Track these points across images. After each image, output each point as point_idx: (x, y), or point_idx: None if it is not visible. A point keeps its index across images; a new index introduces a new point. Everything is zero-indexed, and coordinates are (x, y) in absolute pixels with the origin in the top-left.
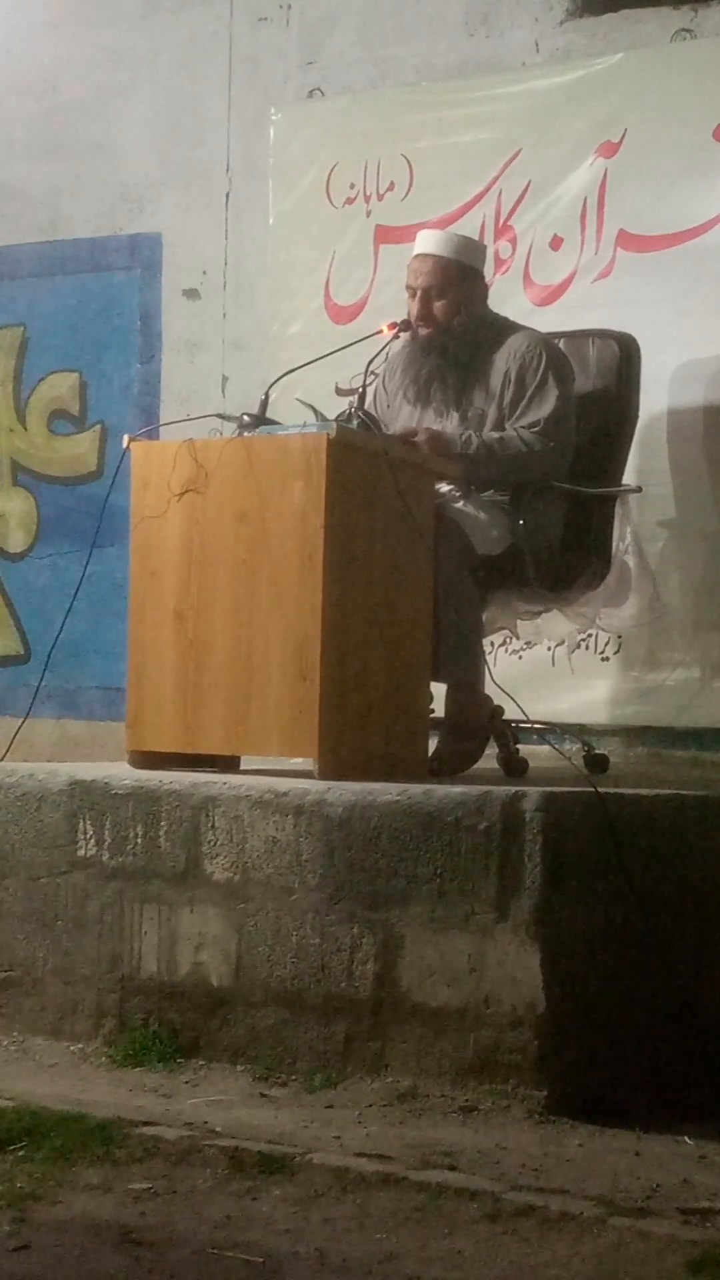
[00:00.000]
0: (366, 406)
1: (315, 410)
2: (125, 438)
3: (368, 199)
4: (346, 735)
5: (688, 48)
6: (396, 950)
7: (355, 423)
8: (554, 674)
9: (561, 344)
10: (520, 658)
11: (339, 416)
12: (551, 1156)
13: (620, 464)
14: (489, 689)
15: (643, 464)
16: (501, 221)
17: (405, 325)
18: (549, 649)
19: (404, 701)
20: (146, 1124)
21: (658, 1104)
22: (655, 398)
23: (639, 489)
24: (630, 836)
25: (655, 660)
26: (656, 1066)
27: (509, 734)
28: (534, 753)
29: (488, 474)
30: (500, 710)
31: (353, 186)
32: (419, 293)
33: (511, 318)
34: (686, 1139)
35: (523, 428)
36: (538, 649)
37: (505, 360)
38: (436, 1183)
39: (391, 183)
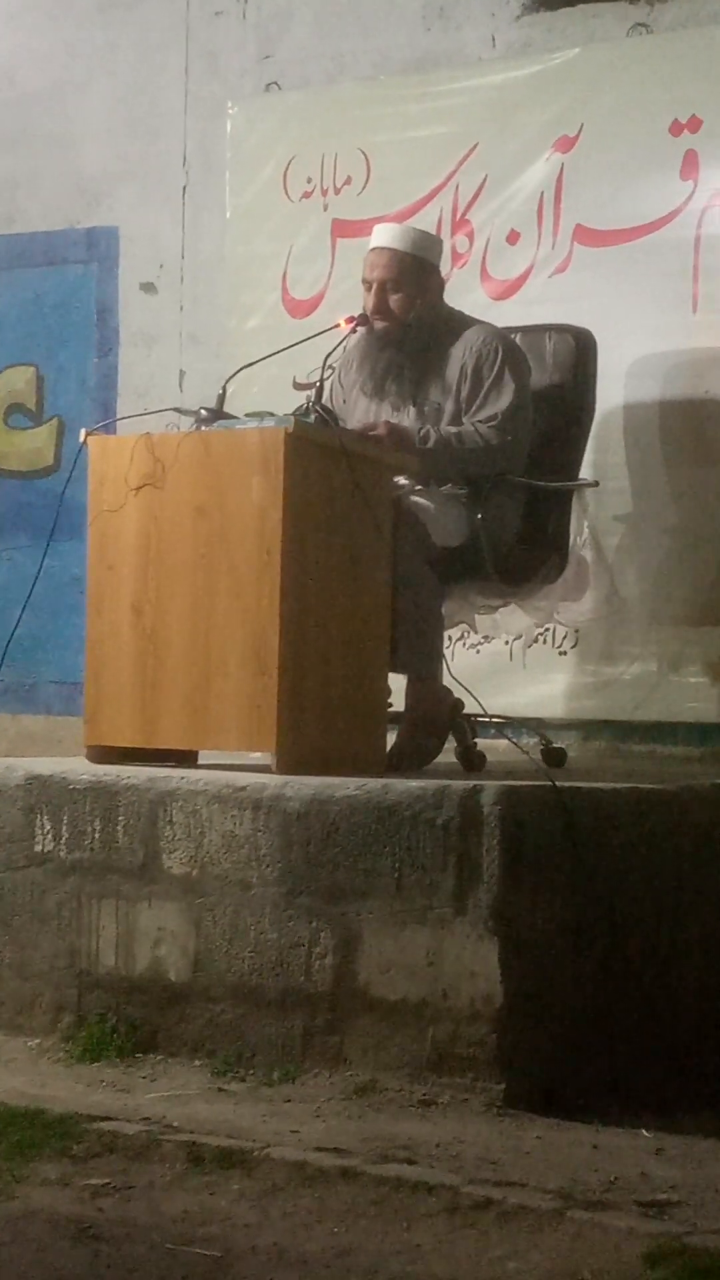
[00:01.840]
0: (324, 401)
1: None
2: (82, 432)
3: (325, 193)
4: (305, 729)
5: (644, 42)
6: (354, 944)
7: (313, 417)
8: (512, 668)
9: (518, 338)
10: (478, 652)
11: (296, 411)
12: (509, 1150)
13: (577, 458)
14: (447, 683)
15: (599, 458)
16: (459, 215)
17: (362, 319)
18: (507, 643)
19: (363, 695)
20: (104, 1119)
21: (616, 1097)
22: (612, 392)
23: (596, 483)
24: (588, 830)
25: (612, 654)
26: (615, 1059)
27: (467, 728)
28: (492, 747)
29: (446, 468)
30: (459, 704)
31: (310, 180)
32: (375, 286)
33: (469, 312)
34: (644, 1132)
35: (479, 422)
36: (496, 643)
37: (462, 354)
38: (395, 1176)
39: (349, 177)
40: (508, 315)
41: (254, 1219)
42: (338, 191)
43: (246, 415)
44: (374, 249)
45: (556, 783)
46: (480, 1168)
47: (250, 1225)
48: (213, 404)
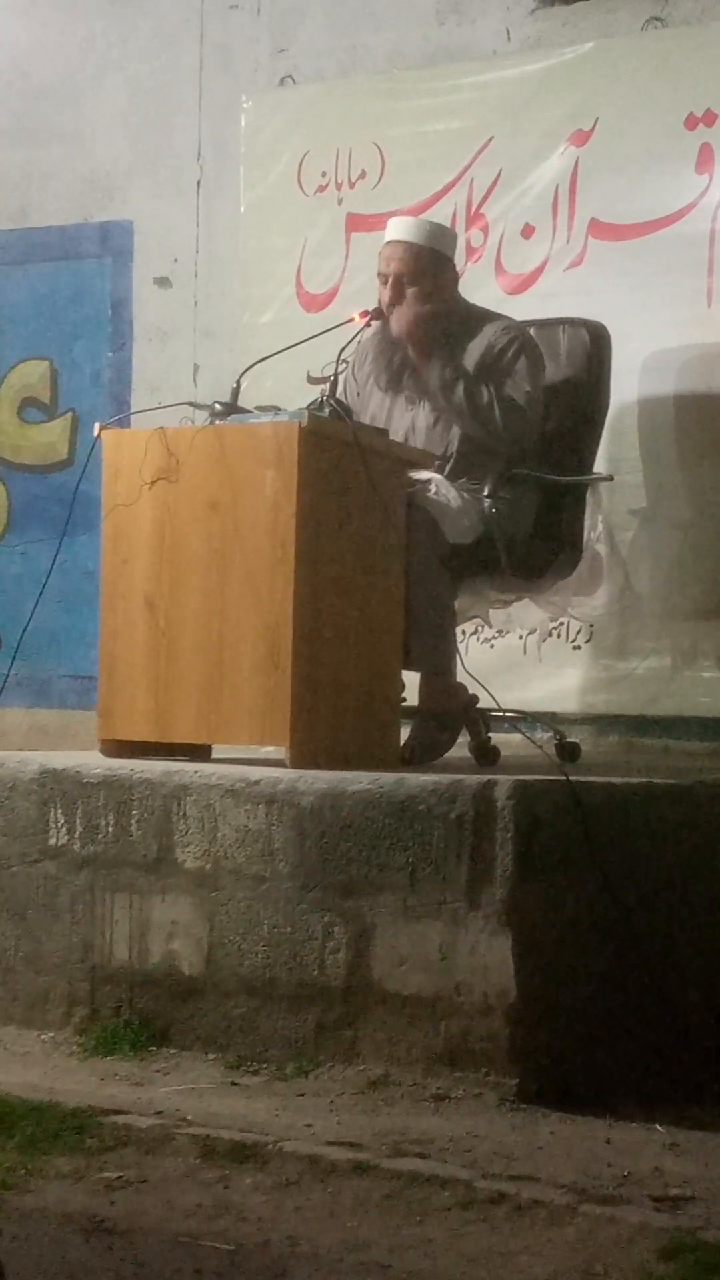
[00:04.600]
0: (338, 395)
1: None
2: (96, 426)
3: (339, 187)
4: (318, 723)
5: (659, 36)
6: (368, 939)
7: (327, 411)
8: (526, 662)
9: (532, 332)
10: (492, 646)
11: (311, 405)
12: (523, 1144)
13: (591, 453)
14: (461, 677)
15: (614, 453)
16: (473, 210)
17: (377, 313)
18: (521, 637)
19: (376, 690)
20: (118, 1113)
21: (629, 1091)
22: (626, 386)
23: (610, 477)
24: (602, 825)
25: (626, 649)
26: (628, 1054)
27: (481, 722)
28: (506, 741)
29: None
30: (473, 699)
31: (324, 174)
32: (390, 279)
33: (484, 306)
34: (658, 1126)
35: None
36: (509, 637)
37: (480, 349)
38: (408, 1171)
39: (363, 171)
40: (522, 309)
41: (267, 1213)
42: (352, 185)
43: (257, 409)
44: (389, 242)
45: (570, 777)
46: (493, 1162)
47: (263, 1219)
48: (227, 398)
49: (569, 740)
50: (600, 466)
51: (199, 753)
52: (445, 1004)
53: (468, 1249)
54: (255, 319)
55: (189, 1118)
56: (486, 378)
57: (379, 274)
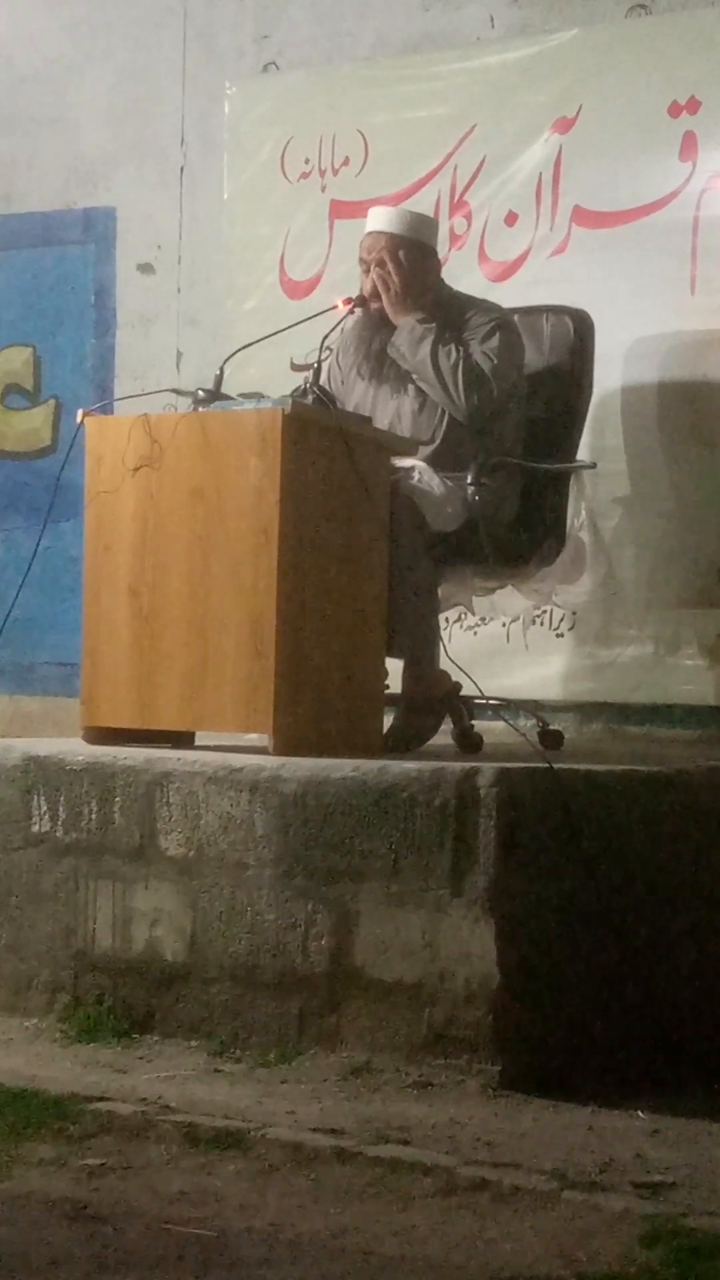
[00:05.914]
0: (321, 382)
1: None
2: (79, 412)
3: (323, 174)
4: (301, 711)
5: (643, 23)
6: (351, 926)
7: (310, 398)
8: (509, 650)
9: (516, 319)
10: (475, 634)
11: (294, 392)
12: (505, 1131)
13: (574, 440)
14: (444, 665)
15: (597, 440)
16: (457, 197)
17: (360, 301)
18: (504, 625)
19: (359, 677)
20: (101, 1099)
21: (612, 1078)
22: (610, 374)
23: (593, 465)
24: (584, 812)
25: (609, 636)
26: (611, 1041)
27: (464, 710)
28: (489, 729)
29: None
30: (456, 686)
31: (308, 161)
32: (372, 268)
33: (468, 294)
34: (640, 1113)
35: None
36: (493, 625)
37: (462, 330)
38: (391, 1157)
39: (347, 158)
40: (506, 297)
41: (250, 1199)
42: (336, 172)
43: (240, 396)
44: (370, 233)
45: (553, 765)
46: (476, 1149)
47: (246, 1205)
48: (210, 385)
49: (552, 728)
50: (583, 454)
51: (182, 740)
52: (428, 991)
53: (450, 1235)
54: (239, 306)
55: (172, 1104)
56: (457, 343)
57: (360, 262)
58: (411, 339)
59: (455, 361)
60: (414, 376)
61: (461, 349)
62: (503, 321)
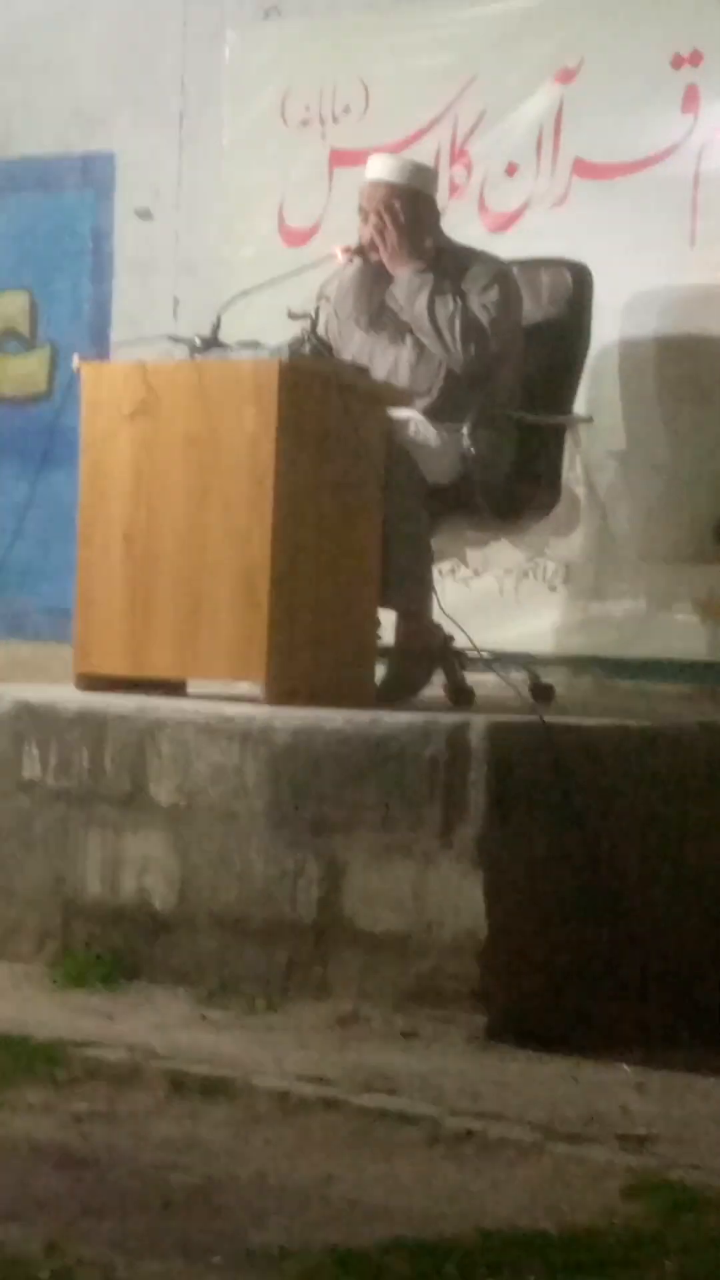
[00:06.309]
0: (319, 331)
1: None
2: (75, 358)
3: (323, 122)
4: (294, 660)
5: None
6: (340, 876)
7: (308, 348)
8: (502, 603)
9: (515, 271)
10: (468, 586)
11: (292, 341)
12: (491, 1082)
13: (571, 393)
14: (437, 617)
15: (593, 394)
16: (457, 147)
17: (359, 250)
18: (497, 578)
19: (352, 628)
20: (88, 1045)
21: (597, 1031)
22: (608, 327)
23: (590, 419)
24: (575, 766)
25: (602, 591)
26: (597, 995)
27: (456, 663)
28: (481, 681)
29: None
30: (449, 639)
31: (308, 109)
32: (371, 217)
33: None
34: (625, 1067)
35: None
36: (486, 578)
37: (462, 281)
38: (376, 1107)
39: (347, 105)
40: (505, 248)
41: (236, 1147)
42: (336, 120)
43: (237, 344)
44: (369, 181)
45: (544, 718)
46: (461, 1100)
47: (232, 1153)
48: (207, 333)
49: (543, 681)
50: (580, 408)
51: (174, 688)
52: (416, 942)
53: (435, 1185)
54: (236, 253)
55: (159, 1052)
56: (455, 293)
57: (359, 210)
58: (409, 290)
59: (452, 313)
60: (412, 327)
61: (459, 300)
62: (501, 273)
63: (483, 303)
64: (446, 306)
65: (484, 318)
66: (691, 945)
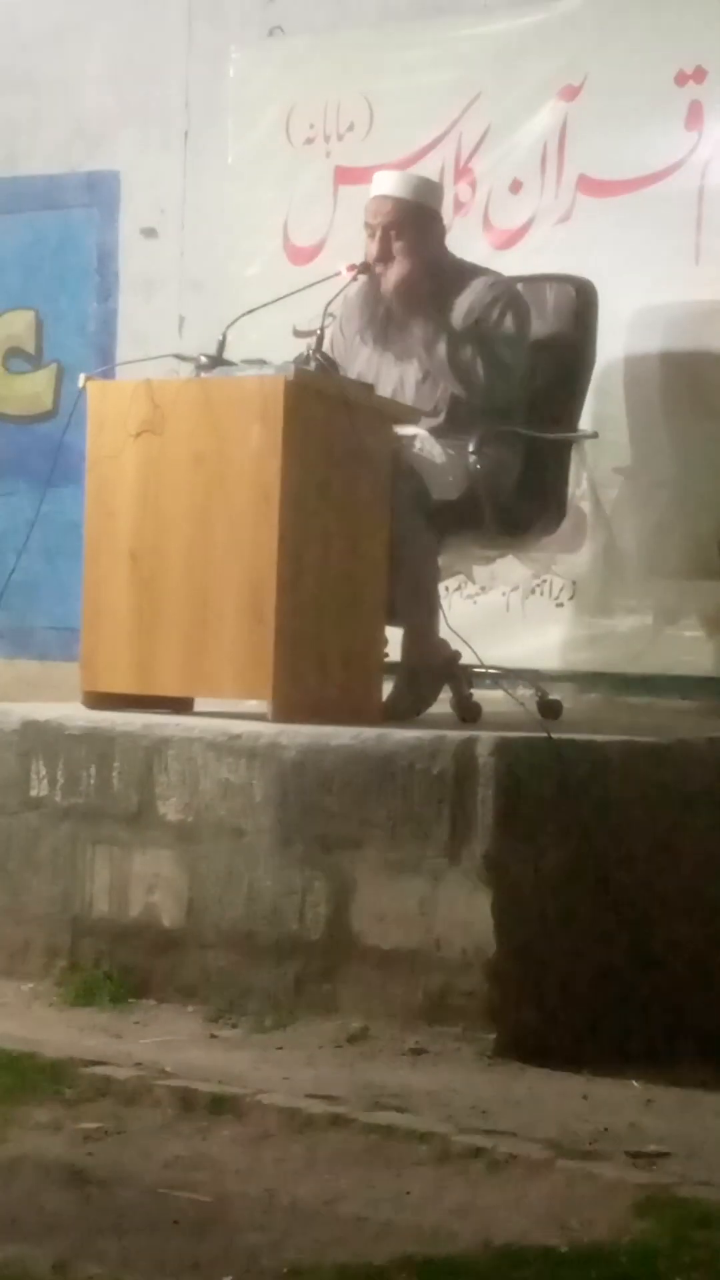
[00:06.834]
0: (325, 349)
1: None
2: (82, 377)
3: (327, 139)
4: (301, 678)
5: None
6: (348, 893)
7: (313, 365)
8: (509, 619)
9: (519, 288)
10: (475, 603)
11: (297, 359)
12: (500, 1099)
13: (577, 410)
14: (444, 633)
15: (599, 410)
16: (461, 164)
17: (364, 267)
18: (504, 594)
19: (359, 645)
20: (97, 1064)
21: (607, 1048)
22: (613, 344)
23: (595, 435)
24: (583, 782)
25: (609, 606)
26: (605, 1010)
27: (463, 679)
28: (488, 698)
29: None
30: (456, 655)
31: (312, 126)
32: (378, 233)
33: (471, 261)
34: (634, 1083)
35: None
36: (493, 594)
37: (468, 304)
38: (386, 1124)
39: (352, 123)
40: (510, 265)
41: (245, 1165)
42: (340, 138)
43: (243, 362)
44: (375, 196)
45: (552, 734)
46: (470, 1117)
47: (241, 1171)
48: (212, 350)
49: (551, 697)
50: (585, 424)
51: (181, 706)
52: (424, 959)
53: (445, 1202)
54: (242, 271)
55: (167, 1069)
56: (472, 335)
57: (366, 225)
58: (426, 339)
59: (473, 357)
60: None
61: (476, 345)
62: (511, 298)
63: (503, 338)
64: (466, 353)
65: (508, 355)
66: (701, 961)
